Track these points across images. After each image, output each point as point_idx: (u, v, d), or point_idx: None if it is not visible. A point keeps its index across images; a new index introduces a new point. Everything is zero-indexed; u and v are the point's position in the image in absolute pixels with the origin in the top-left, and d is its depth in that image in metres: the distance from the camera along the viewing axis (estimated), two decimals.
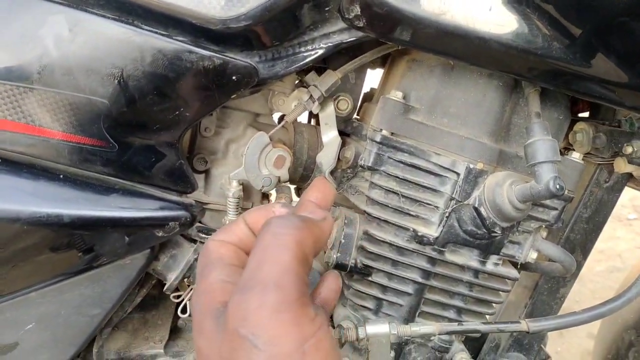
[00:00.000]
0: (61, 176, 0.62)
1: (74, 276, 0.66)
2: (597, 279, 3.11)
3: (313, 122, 1.03)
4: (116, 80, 0.58)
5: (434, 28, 0.61)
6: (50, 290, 0.67)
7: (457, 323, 0.81)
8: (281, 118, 0.96)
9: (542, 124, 0.71)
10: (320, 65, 0.82)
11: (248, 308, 0.35)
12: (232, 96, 0.64)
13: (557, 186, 0.67)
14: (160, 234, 0.66)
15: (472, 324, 0.80)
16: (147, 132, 0.63)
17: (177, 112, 0.62)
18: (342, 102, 0.85)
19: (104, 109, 0.59)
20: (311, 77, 0.79)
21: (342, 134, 0.86)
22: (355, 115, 0.91)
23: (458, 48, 0.64)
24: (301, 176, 0.86)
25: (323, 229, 0.44)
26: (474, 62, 0.69)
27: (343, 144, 0.84)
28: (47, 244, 0.62)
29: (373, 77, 0.99)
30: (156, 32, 0.59)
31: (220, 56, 0.61)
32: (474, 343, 1.07)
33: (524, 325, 0.79)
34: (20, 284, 0.66)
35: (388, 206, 0.79)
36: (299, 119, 0.83)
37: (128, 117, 0.61)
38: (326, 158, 0.81)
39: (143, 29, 0.59)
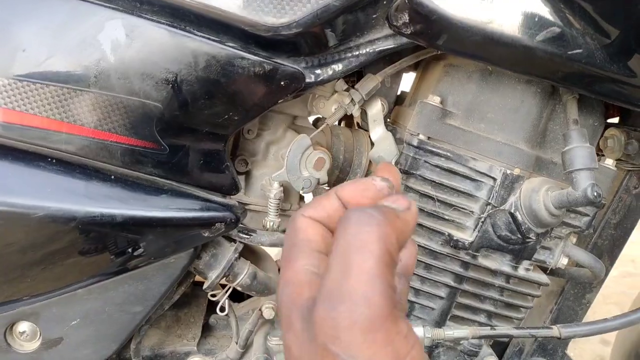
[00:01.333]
0: (112, 177, 0.63)
1: (120, 274, 0.68)
2: (609, 284, 3.07)
3: (342, 124, 1.05)
4: (170, 85, 0.60)
5: (481, 36, 0.62)
6: (96, 287, 0.68)
7: (489, 327, 0.82)
8: (316, 121, 0.98)
9: (580, 131, 0.72)
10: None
11: (338, 326, 0.32)
12: (280, 101, 0.66)
13: (595, 193, 0.68)
14: (206, 234, 0.67)
15: (505, 329, 0.81)
16: (197, 135, 0.64)
17: (227, 116, 0.63)
18: None
19: (157, 113, 0.61)
20: (340, 85, 0.80)
21: None
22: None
23: (503, 55, 0.65)
24: (337, 178, 0.87)
25: (408, 220, 0.38)
26: (518, 70, 0.70)
27: None
28: (98, 243, 0.64)
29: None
30: (208, 38, 0.60)
31: (269, 62, 0.62)
32: (496, 348, 1.08)
33: (556, 331, 0.80)
34: (69, 281, 0.67)
35: (423, 210, 0.80)
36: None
37: (180, 120, 0.62)
38: (384, 151, 0.81)
39: (196, 35, 0.60)
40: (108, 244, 0.64)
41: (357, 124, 0.98)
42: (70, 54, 0.58)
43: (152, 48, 0.59)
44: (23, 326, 0.71)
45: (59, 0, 0.59)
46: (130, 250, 0.65)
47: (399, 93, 0.98)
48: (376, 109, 0.81)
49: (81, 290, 0.68)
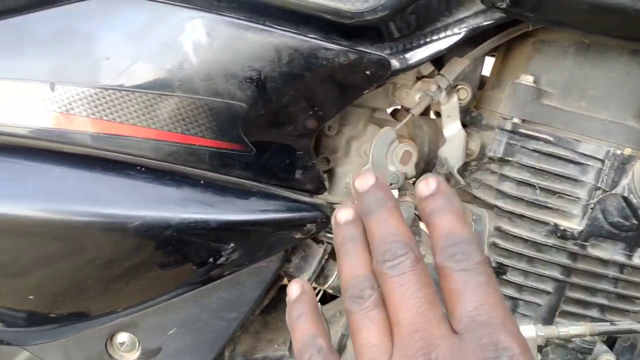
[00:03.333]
0: (202, 182, 0.62)
1: (215, 280, 0.67)
2: None
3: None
4: (254, 83, 0.58)
5: (588, 3, 0.56)
6: (192, 295, 0.68)
7: (609, 323, 0.75)
8: (394, 112, 0.94)
9: None
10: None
11: None
12: (365, 91, 0.62)
13: None
14: (297, 235, 0.65)
15: (627, 324, 0.74)
16: (282, 134, 0.62)
17: (312, 111, 0.61)
18: (462, 91, 0.80)
19: (242, 113, 0.59)
20: (426, 67, 0.76)
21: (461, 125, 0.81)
22: None
23: (613, 24, 0.59)
24: (422, 172, 0.83)
25: None
26: (630, 39, 0.62)
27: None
28: (193, 249, 0.63)
29: None
30: (289, 31, 0.58)
31: (354, 50, 0.59)
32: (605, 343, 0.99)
33: None
34: (165, 290, 0.67)
35: (522, 199, 0.74)
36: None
37: (265, 119, 0.60)
38: (452, 153, 0.77)
39: (276, 28, 0.58)
40: (202, 250, 0.63)
41: (436, 112, 0.93)
42: (153, 59, 0.58)
43: (233, 46, 0.57)
44: (122, 337, 0.72)
45: (137, 5, 0.58)
46: (224, 255, 0.64)
47: None
48: (451, 102, 0.76)
49: (177, 298, 0.68)
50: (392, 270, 0.40)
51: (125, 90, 0.58)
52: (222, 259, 0.64)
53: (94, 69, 0.58)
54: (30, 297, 0.66)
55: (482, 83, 0.90)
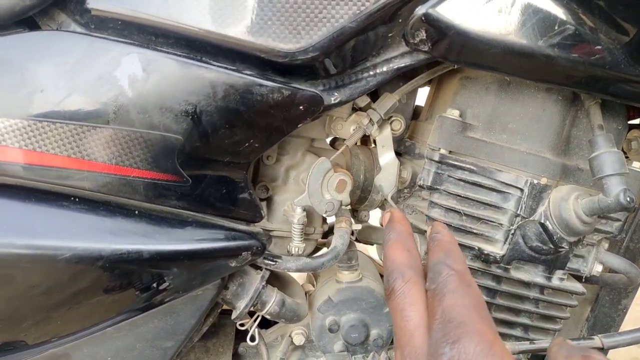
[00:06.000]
0: (136, 212, 0.63)
1: (149, 310, 0.67)
2: None
3: (358, 142, 1.04)
4: (189, 117, 0.59)
5: (500, 48, 0.61)
6: (125, 324, 0.68)
7: (528, 342, 0.79)
8: (333, 141, 0.97)
9: (607, 136, 0.71)
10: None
11: None
12: (299, 125, 0.65)
13: (628, 198, 0.66)
14: (233, 264, 0.66)
15: (545, 342, 0.79)
16: (218, 165, 0.63)
17: (247, 144, 0.63)
18: (396, 122, 0.85)
19: (178, 145, 0.60)
20: (363, 99, 0.79)
21: (396, 154, 0.85)
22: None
23: (524, 66, 0.64)
24: (359, 198, 0.86)
25: None
26: (539, 79, 0.68)
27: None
28: (126, 280, 0.63)
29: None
30: (225, 68, 0.60)
31: (287, 87, 0.61)
32: (533, 358, 1.05)
33: (598, 341, 0.78)
34: (98, 319, 0.67)
35: (450, 225, 0.79)
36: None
37: (201, 151, 0.61)
38: (386, 181, 0.81)
39: (213, 65, 0.60)
40: (135, 281, 0.63)
41: (374, 141, 0.97)
42: (88, 92, 0.58)
43: (169, 81, 0.59)
44: None
45: (75, 39, 0.59)
46: (157, 285, 0.64)
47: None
48: (385, 133, 0.80)
49: (111, 328, 0.67)
50: (388, 296, 0.51)
51: (59, 122, 0.58)
52: (157, 289, 0.64)
53: (27, 101, 0.58)
54: None
55: (418, 113, 0.95)
